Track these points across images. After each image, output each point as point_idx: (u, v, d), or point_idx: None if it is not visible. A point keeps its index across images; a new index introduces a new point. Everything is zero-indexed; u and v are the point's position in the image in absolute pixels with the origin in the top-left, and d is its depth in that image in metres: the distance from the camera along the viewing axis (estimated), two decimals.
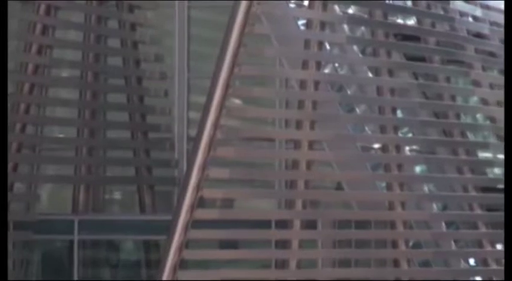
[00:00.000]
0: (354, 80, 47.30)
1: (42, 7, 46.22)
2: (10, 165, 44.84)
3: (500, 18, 52.10)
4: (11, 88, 44.54)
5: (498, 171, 50.22)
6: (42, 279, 48.45)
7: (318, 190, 44.67)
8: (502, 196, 47.52)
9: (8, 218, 43.69)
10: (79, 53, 47.89)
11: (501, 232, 47.29)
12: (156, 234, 43.93)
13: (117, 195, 50.74)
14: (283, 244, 43.28)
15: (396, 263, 44.71)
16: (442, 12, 48.92)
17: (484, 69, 49.26)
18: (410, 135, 48.14)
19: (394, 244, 44.42)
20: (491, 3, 52.12)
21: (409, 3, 49.22)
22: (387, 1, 48.32)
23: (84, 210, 47.66)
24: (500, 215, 47.95)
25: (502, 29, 50.77)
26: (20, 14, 47.45)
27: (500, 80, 50.32)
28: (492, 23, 51.72)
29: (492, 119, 50.50)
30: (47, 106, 47.82)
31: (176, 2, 48.83)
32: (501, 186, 48.58)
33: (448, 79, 48.54)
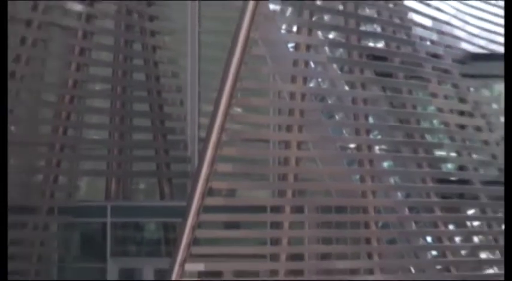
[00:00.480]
0: (334, 92, 47.61)
1: (80, 32, 46.32)
2: (54, 161, 45.86)
3: (453, 41, 52.56)
4: (54, 99, 45.95)
5: (450, 166, 50.58)
6: (81, 254, 48.11)
7: (305, 181, 44.76)
8: (454, 186, 50.37)
9: (53, 205, 44.48)
10: (110, 70, 48.12)
11: (453, 215, 50.22)
12: (174, 217, 43.96)
13: (141, 185, 51.12)
14: (276, 225, 43.37)
15: (368, 241, 44.82)
16: (405, 37, 49.22)
17: (439, 83, 49.38)
18: (379, 137, 48.25)
19: (366, 225, 44.57)
20: (445, 28, 52.66)
21: (379, 29, 49.38)
22: (361, 28, 48.54)
23: (115, 198, 47.93)
24: (452, 202, 50.08)
25: (454, 51, 51.41)
26: (61, 38, 47.00)
27: (453, 92, 51.02)
28: (446, 46, 51.49)
29: (446, 124, 50.33)
30: (84, 114, 47.49)
31: (189, 28, 48.91)
32: (453, 178, 50.12)
33: (410, 91, 48.63)
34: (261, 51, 43.37)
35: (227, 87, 40.62)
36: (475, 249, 50.52)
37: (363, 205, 44.80)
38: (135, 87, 49.56)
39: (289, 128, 43.67)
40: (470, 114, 50.33)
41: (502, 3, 57.80)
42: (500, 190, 48.02)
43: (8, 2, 41.93)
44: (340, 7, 47.50)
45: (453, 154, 50.62)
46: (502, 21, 56.64)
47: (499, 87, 51.51)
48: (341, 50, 48.92)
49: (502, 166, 49.63)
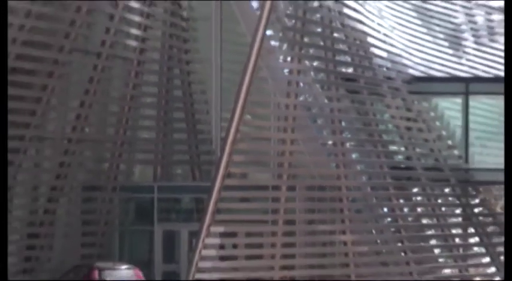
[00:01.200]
0: (316, 104, 47.94)
1: (135, 61, 46.48)
2: (116, 153, 46.46)
3: (402, 68, 52.22)
4: (116, 109, 46.48)
5: (400, 157, 51.20)
6: (135, 220, 47.98)
7: (296, 168, 45.27)
8: (403, 171, 50.51)
9: (116, 185, 45.37)
10: (156, 88, 48.52)
11: (402, 192, 50.59)
12: (202, 193, 43.99)
13: (179, 171, 51.24)
14: (275, 199, 44.16)
15: (341, 210, 45.79)
16: (368, 65, 49.74)
17: (392, 98, 49.27)
18: (349, 136, 48.84)
19: (340, 200, 45.68)
20: (396, 58, 52.72)
21: (349, 59, 50.23)
22: (336, 58, 48.94)
23: (160, 179, 48.25)
24: (401, 183, 50.00)
25: (403, 75, 51.37)
26: (122, 66, 46.84)
27: (402, 104, 50.89)
28: (397, 71, 51.26)
29: (397, 127, 50.47)
30: (138, 119, 48.27)
31: (213, 58, 48.88)
32: (402, 166, 50.76)
33: (371, 103, 48.96)
34: (265, 74, 44.20)
35: (240, 100, 41.65)
36: (419, 216, 50.76)
37: (338, 185, 45.66)
38: (175, 101, 49.30)
39: (284, 130, 45.07)
40: (414, 120, 50.40)
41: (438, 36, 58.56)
42: (436, 174, 50.43)
43: (83, 38, 43.36)
44: (321, 43, 48.42)
45: (402, 148, 50.91)
46: (437, 51, 57.27)
47: (435, 100, 51.92)
48: (322, 74, 48.75)
49: (438, 157, 50.58)
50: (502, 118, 52.40)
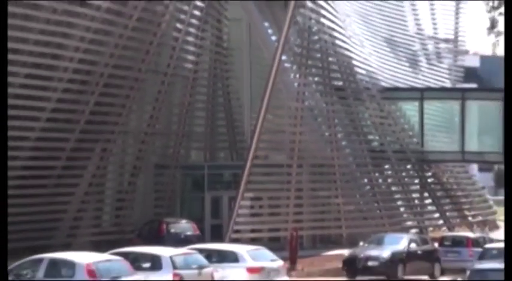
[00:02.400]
0: (317, 107, 48.33)
1: (190, 78, 45.88)
2: (178, 142, 45.73)
3: (377, 81, 52.07)
4: (177, 111, 46.13)
5: (376, 143, 51.33)
6: (192, 190, 47.39)
7: (303, 151, 44.68)
8: (377, 153, 50.55)
9: (177, 164, 45.21)
10: (205, 97, 47.92)
11: (377, 168, 50.88)
12: (238, 170, 43.16)
13: (222, 154, 50.51)
14: (289, 174, 44.13)
15: (335, 181, 46.39)
16: (352, 79, 50.15)
17: (370, 102, 49.99)
18: (340, 128, 48.83)
19: (334, 174, 46.54)
20: (373, 75, 52.44)
21: (339, 75, 50.21)
22: (330, 75, 49.19)
23: (208, 161, 48.05)
24: (377, 162, 50.42)
25: (378, 86, 51.54)
26: (181, 82, 46.04)
27: (377, 106, 50.89)
28: (373, 84, 51.26)
29: (373, 122, 50.83)
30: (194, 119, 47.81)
31: (244, 75, 48.65)
32: (377, 149, 50.89)
33: (356, 106, 49.34)
34: (280, 86, 44.06)
35: (264, 105, 42.07)
36: (389, 185, 51.48)
37: (332, 164, 45.98)
38: (218, 105, 48.70)
39: (295, 125, 45.05)
40: (385, 118, 50.74)
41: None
42: (401, 155, 50.78)
43: (154, 62, 43.09)
44: (320, 64, 48.47)
45: (377, 137, 51.25)
46: (401, 70, 57.40)
47: (400, 104, 52.33)
48: (320, 86, 48.74)
49: (402, 143, 51.29)
50: (447, 115, 52.77)
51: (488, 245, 34.37)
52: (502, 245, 34.20)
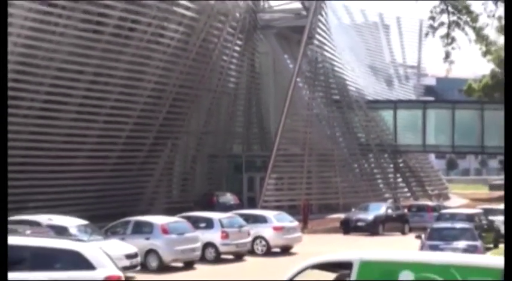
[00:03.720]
0: (321, 114, 47.42)
1: (232, 96, 45.46)
2: (224, 139, 45.25)
3: (364, 96, 51.51)
4: (224, 118, 45.13)
5: (363, 140, 50.63)
6: (234, 172, 46.63)
7: (312, 144, 44.09)
8: (364, 146, 49.68)
9: (224, 154, 44.63)
10: (242, 107, 47.44)
11: (364, 156, 49.72)
12: (266, 158, 42.83)
13: (255, 147, 49.12)
14: (302, 160, 43.55)
15: (334, 166, 45.79)
16: (345, 94, 49.88)
17: (358, 110, 49.51)
18: (337, 129, 48.69)
19: (333, 161, 45.88)
20: (361, 91, 51.85)
21: (337, 91, 49.72)
22: (331, 91, 49.06)
23: (246, 151, 47.46)
24: (363, 152, 49.52)
25: (364, 98, 51.09)
26: (227, 99, 45.24)
27: (364, 113, 50.33)
28: (361, 97, 51.04)
29: (361, 125, 50.18)
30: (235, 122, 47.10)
31: (271, 90, 48.09)
32: (364, 143, 50.15)
33: (349, 113, 48.99)
34: (295, 99, 43.74)
35: (285, 112, 41.95)
36: (372, 168, 50.89)
37: (332, 153, 45.46)
38: (252, 112, 47.72)
39: (306, 126, 44.58)
40: (369, 121, 50.34)
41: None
42: (380, 147, 50.25)
43: (205, 81, 41.97)
44: (323, 84, 48.06)
45: (364, 135, 50.74)
46: (380, 88, 56.94)
47: (380, 111, 51.86)
48: (324, 99, 48.27)
49: (381, 139, 50.70)
50: (412, 119, 52.57)
51: (442, 211, 34.58)
52: (452, 210, 34.60)
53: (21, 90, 30.91)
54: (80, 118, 33.30)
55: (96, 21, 33.07)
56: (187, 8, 37.72)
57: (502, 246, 27.37)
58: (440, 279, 9.19)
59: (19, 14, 30.69)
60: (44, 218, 22.67)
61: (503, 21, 50.65)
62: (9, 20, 30.07)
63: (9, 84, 29.98)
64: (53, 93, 32.01)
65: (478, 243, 23.14)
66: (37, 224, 21.79)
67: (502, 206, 34.68)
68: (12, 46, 30.07)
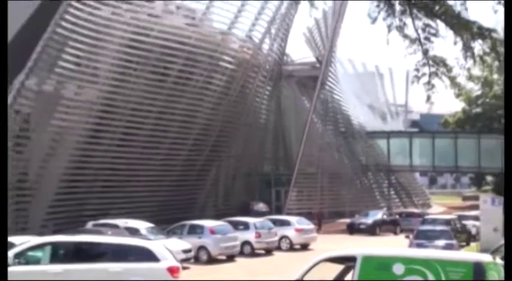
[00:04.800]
0: (332, 142, 46.42)
1: (248, 127, 45.18)
2: (256, 161, 44.11)
3: (363, 128, 50.68)
4: (256, 145, 43.69)
5: (364, 161, 49.49)
6: (264, 187, 44.98)
7: (323, 164, 43.53)
8: (364, 166, 48.45)
9: (255, 172, 43.72)
10: (271, 135, 46.40)
11: (364, 174, 48.50)
12: (289, 176, 42.34)
13: (281, 167, 47.47)
14: (316, 178, 42.93)
15: (341, 179, 45.18)
16: (349, 125, 49.34)
17: (359, 139, 48.87)
18: (343, 153, 47.62)
19: (340, 177, 45.29)
20: (362, 124, 50.95)
21: (342, 124, 49.03)
22: (338, 124, 48.29)
23: (274, 170, 46.44)
24: (363, 170, 48.56)
25: (363, 130, 50.23)
26: (258, 129, 43.97)
27: (364, 141, 49.47)
28: (362, 129, 50.20)
29: (362, 151, 49.15)
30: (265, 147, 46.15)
31: (292, 121, 47.34)
32: (364, 164, 48.89)
33: (352, 142, 48.47)
34: (311, 131, 43.22)
35: (303, 141, 41.62)
36: (371, 184, 50.04)
37: (338, 171, 44.94)
38: (279, 142, 46.57)
39: (319, 152, 43.88)
40: (368, 147, 49.75)
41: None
42: (377, 166, 49.29)
43: (242, 118, 40.82)
44: (332, 119, 47.45)
45: (364, 158, 49.62)
46: (376, 122, 56.23)
47: (376, 140, 50.81)
48: (333, 130, 47.27)
49: (377, 160, 49.37)
50: (401, 146, 51.52)
51: (426, 217, 34.09)
52: (433, 216, 34.12)
53: (105, 125, 31.04)
54: (149, 146, 33.12)
55: (161, 73, 33.06)
56: (229, 63, 37.60)
57: (473, 244, 27.16)
58: (425, 270, 9.04)
59: (105, 68, 30.93)
60: (121, 222, 23.01)
61: (471, 72, 50.37)
62: (97, 72, 30.84)
63: (97, 120, 30.66)
64: (129, 127, 31.97)
65: (454, 242, 22.91)
66: (116, 226, 22.08)
67: (473, 212, 34.50)
68: (98, 92, 30.51)
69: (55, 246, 12.25)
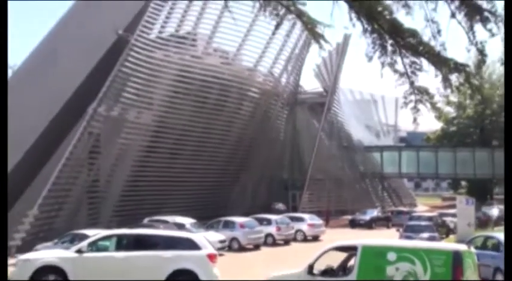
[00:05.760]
0: (336, 155, 45.98)
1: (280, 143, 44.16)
2: (276, 172, 43.14)
3: (361, 143, 50.10)
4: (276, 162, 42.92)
5: (362, 170, 48.72)
6: (284, 189, 44.12)
7: (328, 172, 42.78)
8: (363, 173, 47.48)
9: (274, 179, 42.46)
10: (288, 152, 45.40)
11: (363, 179, 47.34)
12: (302, 181, 41.51)
13: (295, 174, 45.47)
14: (324, 182, 42.04)
15: (342, 183, 44.19)
16: (350, 141, 48.55)
17: (358, 152, 48.26)
18: (346, 164, 46.75)
19: (342, 182, 44.51)
20: (360, 140, 50.16)
21: (345, 140, 48.06)
22: (341, 141, 47.30)
23: (289, 177, 45.27)
24: (362, 176, 47.53)
25: (362, 145, 49.49)
26: (281, 146, 43.22)
27: (362, 154, 48.69)
28: (360, 144, 49.59)
29: (361, 162, 48.28)
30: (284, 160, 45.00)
31: (305, 140, 46.00)
32: (362, 172, 48.03)
33: (353, 155, 47.79)
34: (321, 146, 42.57)
35: (314, 154, 40.59)
36: (368, 188, 49.20)
37: (341, 177, 44.13)
38: (294, 154, 45.04)
39: (326, 163, 43.04)
40: (365, 159, 48.97)
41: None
42: (372, 174, 48.21)
43: (266, 136, 39.95)
44: (337, 137, 46.70)
45: (362, 167, 48.93)
46: (371, 138, 55.53)
47: (372, 153, 50.00)
48: (337, 146, 46.45)
49: (373, 169, 48.09)
50: (392, 158, 50.07)
51: (412, 214, 33.44)
52: (419, 214, 33.45)
53: (158, 142, 31.08)
54: (191, 158, 32.92)
55: (201, 101, 32.94)
56: (255, 93, 37.43)
57: (451, 236, 26.44)
58: (413, 257, 8.85)
59: (158, 97, 31.05)
60: (170, 218, 23.00)
61: (449, 98, 49.20)
62: (151, 100, 30.84)
63: (152, 138, 30.52)
64: (176, 144, 31.89)
65: (436, 234, 22.45)
66: (166, 222, 22.07)
67: (451, 210, 33.62)
68: (152, 116, 30.72)
69: (119, 237, 12.36)
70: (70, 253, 11.67)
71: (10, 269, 11.14)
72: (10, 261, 14.00)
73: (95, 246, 11.95)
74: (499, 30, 5.15)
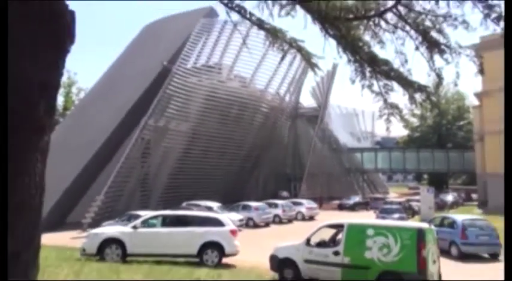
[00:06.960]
0: (329, 156, 44.76)
1: (284, 148, 43.57)
2: (281, 168, 41.62)
3: (345, 145, 48.89)
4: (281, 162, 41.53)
5: (346, 164, 47.55)
6: (287, 181, 43.02)
7: (325, 170, 41.11)
8: (349, 170, 45.58)
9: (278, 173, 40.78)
10: (290, 155, 44.25)
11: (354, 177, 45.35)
12: (302, 176, 39.89)
13: (297, 171, 44.67)
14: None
15: (341, 181, 42.99)
16: (335, 146, 47.59)
17: (348, 153, 47.35)
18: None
19: (340, 180, 43.35)
20: (344, 147, 48.77)
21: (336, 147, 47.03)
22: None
23: (291, 172, 43.58)
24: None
25: (345, 147, 48.19)
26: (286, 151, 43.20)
27: (346, 154, 47.39)
28: (343, 146, 48.25)
29: (347, 160, 47.02)
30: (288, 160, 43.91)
31: (305, 148, 45.51)
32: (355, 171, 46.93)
33: (341, 155, 46.74)
34: (316, 150, 41.16)
35: (310, 155, 39.03)
36: (352, 181, 48.22)
37: (334, 174, 43.00)
38: (295, 155, 43.91)
39: (320, 160, 41.47)
40: (350, 158, 47.77)
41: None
42: (357, 170, 46.42)
43: (274, 142, 39.20)
44: (329, 142, 45.34)
45: (347, 164, 47.67)
46: (355, 142, 54.50)
47: (356, 154, 48.66)
48: (329, 149, 45.44)
49: (357, 166, 46.60)
50: (370, 158, 48.79)
51: (386, 200, 33.12)
52: (391, 199, 32.78)
53: (193, 145, 30.90)
54: (217, 157, 32.62)
55: (225, 115, 32.78)
56: (265, 108, 37.11)
57: (416, 217, 25.80)
58: (387, 232, 8.75)
59: (192, 111, 30.92)
60: (202, 203, 22.87)
61: (414, 112, 47.83)
62: (187, 114, 30.39)
63: (188, 142, 30.16)
64: (206, 146, 31.62)
65: (404, 215, 22.18)
66: (199, 205, 21.85)
67: (415, 197, 32.80)
68: (188, 125, 30.60)
69: (164, 217, 12.29)
70: (127, 229, 11.78)
71: (83, 241, 11.98)
72: (83, 234, 16.46)
73: (146, 223, 11.96)
74: (453, 59, 5.04)
